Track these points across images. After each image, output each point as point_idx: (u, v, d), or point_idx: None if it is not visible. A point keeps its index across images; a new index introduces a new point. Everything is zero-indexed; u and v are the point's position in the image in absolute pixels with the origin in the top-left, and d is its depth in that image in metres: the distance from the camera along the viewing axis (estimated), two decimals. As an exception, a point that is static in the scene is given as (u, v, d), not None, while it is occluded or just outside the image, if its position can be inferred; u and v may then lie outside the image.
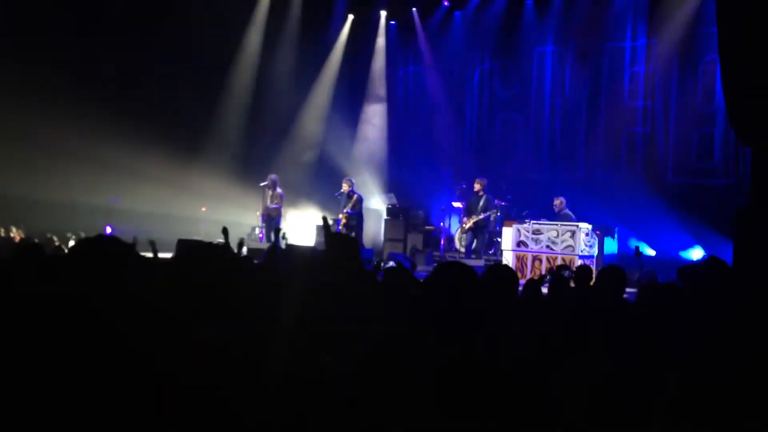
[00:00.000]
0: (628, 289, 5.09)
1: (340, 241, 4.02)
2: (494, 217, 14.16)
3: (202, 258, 2.49)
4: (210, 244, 2.72)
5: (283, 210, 15.04)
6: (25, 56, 14.16)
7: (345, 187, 14.37)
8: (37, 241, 10.99)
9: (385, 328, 2.87)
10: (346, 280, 3.53)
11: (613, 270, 5.06)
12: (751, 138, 8.87)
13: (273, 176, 14.87)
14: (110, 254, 2.75)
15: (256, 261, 6.59)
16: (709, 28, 12.75)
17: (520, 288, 5.02)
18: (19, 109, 13.71)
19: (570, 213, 13.02)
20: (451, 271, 2.97)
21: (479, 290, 2.89)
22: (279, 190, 14.82)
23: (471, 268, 2.97)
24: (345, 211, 14.30)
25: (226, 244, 5.83)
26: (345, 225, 14.39)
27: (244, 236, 15.43)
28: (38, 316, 2.46)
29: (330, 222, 15.52)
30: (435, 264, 11.31)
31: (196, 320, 2.29)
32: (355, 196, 14.34)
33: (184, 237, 12.79)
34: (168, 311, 2.36)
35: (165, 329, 2.29)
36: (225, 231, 6.01)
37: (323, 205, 16.60)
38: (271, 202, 14.78)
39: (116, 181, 15.67)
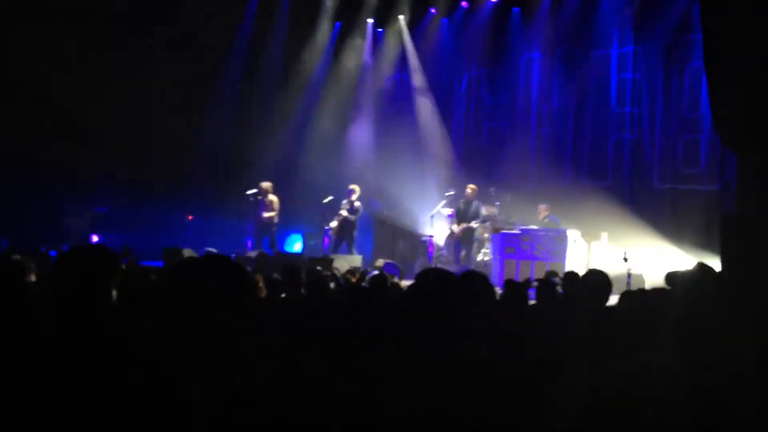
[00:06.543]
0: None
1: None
2: (482, 226, 14.13)
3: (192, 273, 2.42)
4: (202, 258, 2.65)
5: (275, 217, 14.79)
6: (13, 63, 14.08)
7: (350, 194, 14.28)
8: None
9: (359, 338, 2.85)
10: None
11: (597, 274, 4.99)
12: (736, 144, 8.88)
13: (265, 183, 14.62)
14: (98, 265, 2.71)
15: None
16: (694, 35, 12.80)
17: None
18: (6, 115, 13.66)
19: (555, 220, 13.02)
20: (431, 277, 2.95)
21: (456, 295, 2.87)
22: (273, 196, 14.55)
23: (450, 273, 2.96)
24: (343, 213, 14.08)
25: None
26: (339, 224, 14.10)
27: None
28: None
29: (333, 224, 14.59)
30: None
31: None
32: (357, 204, 14.21)
33: (170, 246, 12.81)
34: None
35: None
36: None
37: (310, 211, 16.52)
38: (265, 209, 14.50)
39: (103, 190, 15.60)
